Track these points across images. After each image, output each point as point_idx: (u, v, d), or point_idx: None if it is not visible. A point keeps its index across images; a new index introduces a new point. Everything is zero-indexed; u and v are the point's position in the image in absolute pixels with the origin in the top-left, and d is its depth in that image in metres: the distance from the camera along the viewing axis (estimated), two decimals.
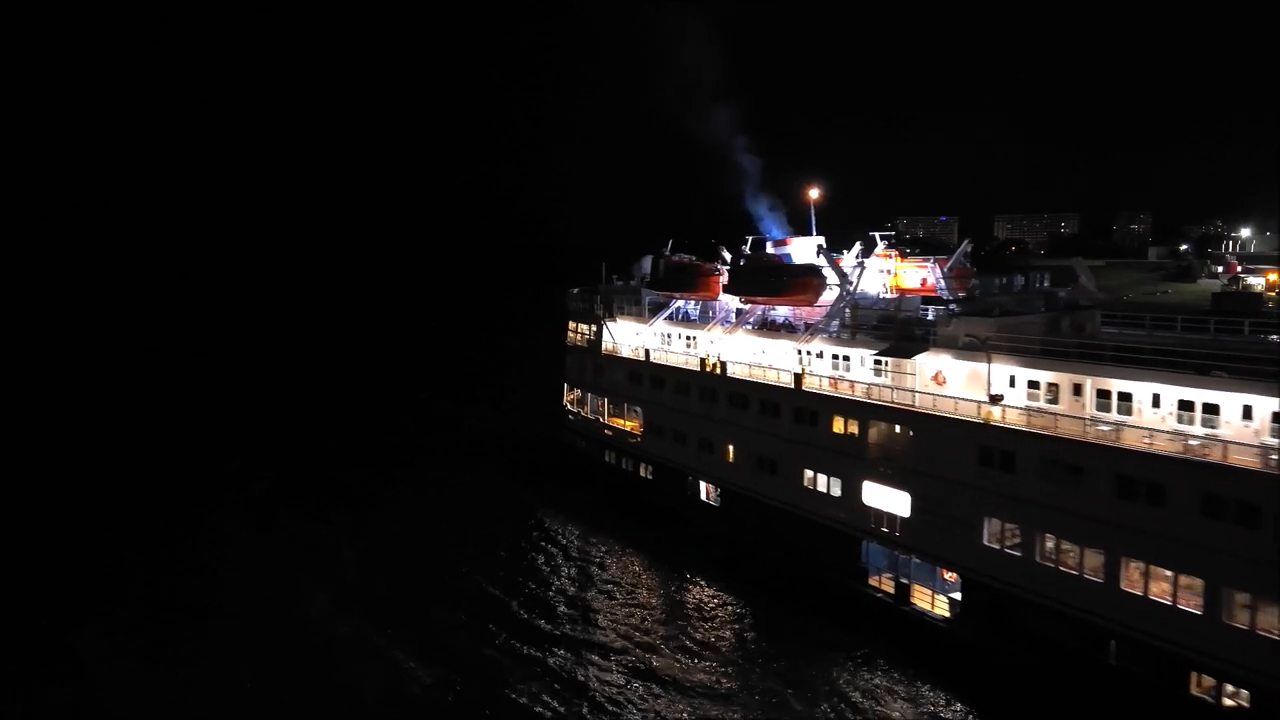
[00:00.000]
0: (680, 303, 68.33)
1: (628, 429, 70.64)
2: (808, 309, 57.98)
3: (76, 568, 61.76)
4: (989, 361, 42.37)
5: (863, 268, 55.43)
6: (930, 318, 50.34)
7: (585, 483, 75.40)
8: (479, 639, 49.70)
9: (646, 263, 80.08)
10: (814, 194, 63.03)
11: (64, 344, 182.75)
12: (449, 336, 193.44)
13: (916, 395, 45.82)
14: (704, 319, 66.57)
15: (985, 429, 41.84)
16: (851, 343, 52.32)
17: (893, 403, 46.94)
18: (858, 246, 63.72)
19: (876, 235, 62.13)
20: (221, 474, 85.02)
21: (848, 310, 54.08)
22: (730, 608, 52.94)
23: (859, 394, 49.50)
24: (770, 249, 64.43)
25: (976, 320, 44.85)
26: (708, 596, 54.65)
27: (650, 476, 67.57)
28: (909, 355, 46.56)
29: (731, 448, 59.23)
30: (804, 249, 62.74)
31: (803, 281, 55.39)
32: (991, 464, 41.47)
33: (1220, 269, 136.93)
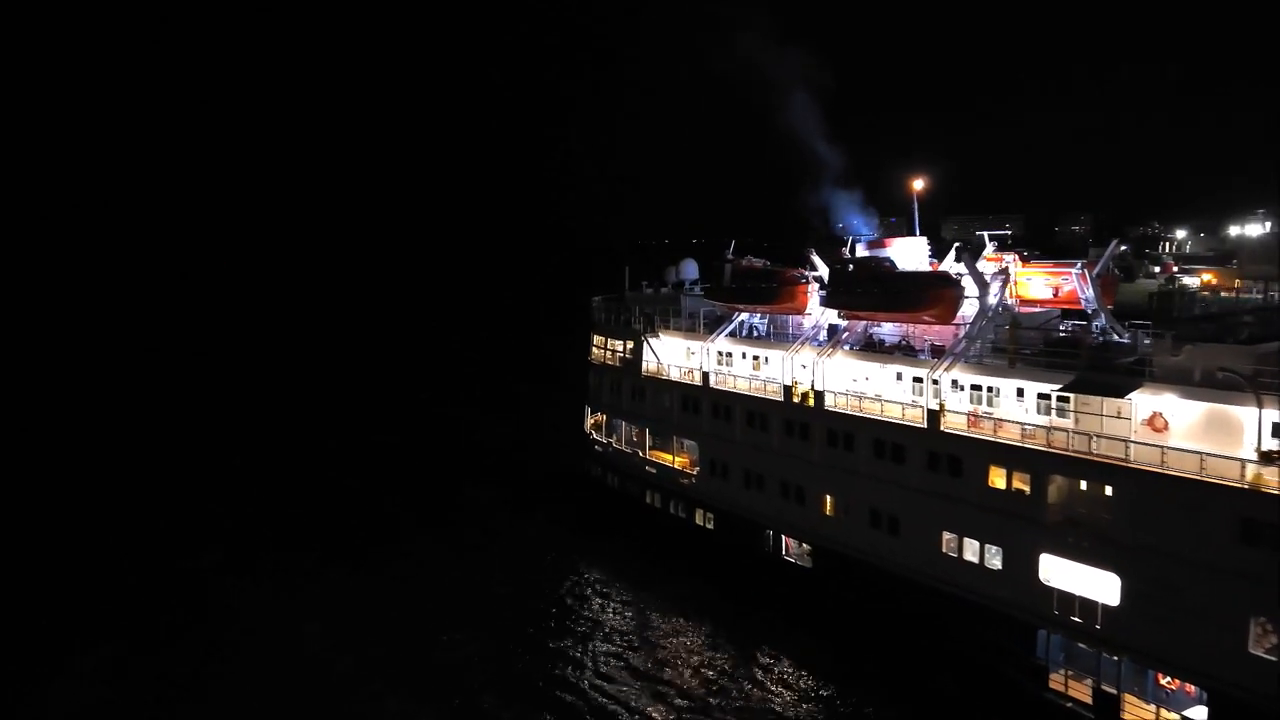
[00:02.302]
0: (744, 316, 56.74)
1: (677, 466, 58.95)
2: (929, 327, 46.83)
3: (67, 578, 58.12)
4: (1259, 405, 31.40)
5: (1007, 276, 44.29)
6: (1125, 340, 39.50)
7: (619, 527, 63.52)
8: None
9: (688, 267, 68.81)
10: (918, 185, 51.79)
11: (64, 343, 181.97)
12: (449, 339, 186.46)
13: (1132, 446, 34.72)
14: (778, 336, 55.13)
15: (1253, 497, 30.93)
16: (1009, 372, 41.12)
17: (1092, 454, 35.82)
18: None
19: (985, 235, 51.18)
20: (219, 479, 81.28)
21: (997, 330, 42.96)
22: (839, 701, 41.52)
23: (1032, 439, 38.36)
24: (861, 250, 53.14)
25: (1222, 348, 33.86)
26: (801, 681, 43.29)
27: (710, 526, 55.98)
28: (1120, 393, 35.43)
29: (830, 498, 47.94)
30: (908, 251, 51.52)
31: (938, 293, 43.85)
32: (1262, 544, 30.56)
33: (1157, 269, 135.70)
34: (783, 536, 50.97)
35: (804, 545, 49.94)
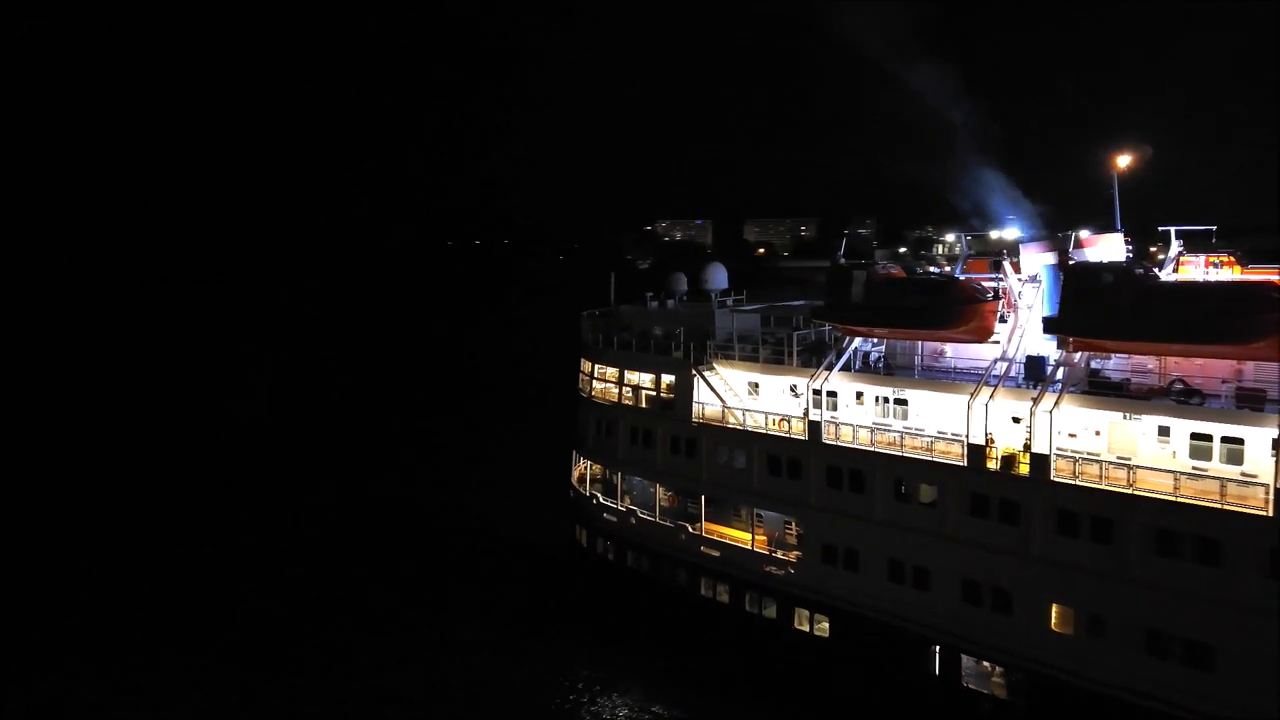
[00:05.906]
0: (859, 342, 41.33)
1: (759, 549, 42.85)
2: (1199, 361, 33.30)
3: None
4: None
5: None
6: None
7: (658, 630, 46.67)
8: None
9: (717, 274, 53.04)
10: (1123, 162, 38.11)
11: (64, 347, 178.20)
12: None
13: None
14: (914, 369, 40.19)
15: None
16: None
17: None
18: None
19: (1171, 231, 38.51)
20: (206, 495, 76.55)
21: None
22: None
23: None
24: (1037, 253, 38.82)
25: None
26: None
27: (822, 633, 40.36)
28: None
29: (1060, 608, 33.49)
30: (1109, 253, 37.84)
31: (1270, 317, 29.83)
32: None
33: (934, 270, 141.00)
34: (960, 655, 36.14)
35: (996, 667, 35.35)
